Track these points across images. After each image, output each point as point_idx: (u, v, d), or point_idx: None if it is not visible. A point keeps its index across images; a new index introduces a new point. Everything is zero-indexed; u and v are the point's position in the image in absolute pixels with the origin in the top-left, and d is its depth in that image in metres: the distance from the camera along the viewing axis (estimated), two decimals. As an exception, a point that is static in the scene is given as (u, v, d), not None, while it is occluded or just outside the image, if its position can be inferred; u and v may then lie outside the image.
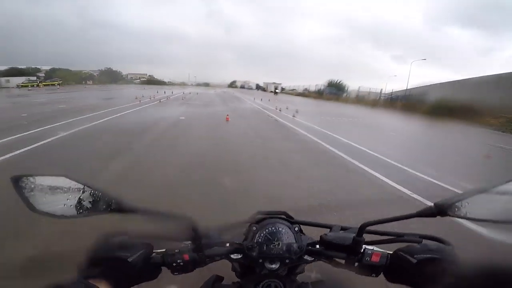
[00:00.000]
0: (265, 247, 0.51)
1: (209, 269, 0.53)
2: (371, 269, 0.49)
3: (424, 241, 0.49)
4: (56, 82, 44.42)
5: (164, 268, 0.50)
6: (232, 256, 0.53)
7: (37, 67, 59.82)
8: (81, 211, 0.43)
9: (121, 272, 0.42)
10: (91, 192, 0.44)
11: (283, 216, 0.58)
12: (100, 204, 0.44)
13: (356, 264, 0.50)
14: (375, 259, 0.48)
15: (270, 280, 0.49)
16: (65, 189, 0.43)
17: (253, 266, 0.53)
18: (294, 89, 64.82)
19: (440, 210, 0.43)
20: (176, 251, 0.49)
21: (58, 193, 0.42)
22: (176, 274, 0.49)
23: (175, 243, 0.51)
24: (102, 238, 0.47)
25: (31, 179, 0.42)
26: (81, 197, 0.43)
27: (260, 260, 0.51)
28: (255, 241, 0.52)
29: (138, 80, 74.56)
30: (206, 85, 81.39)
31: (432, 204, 0.44)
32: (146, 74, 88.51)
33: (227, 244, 0.52)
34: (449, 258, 0.44)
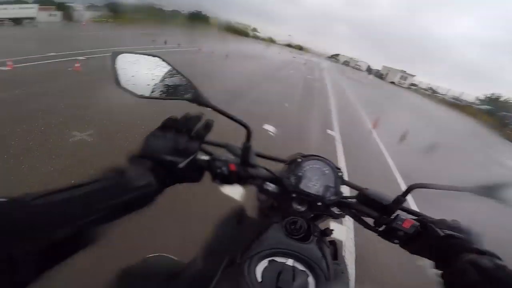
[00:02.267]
0: (302, 183, 0.52)
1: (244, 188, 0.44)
2: (395, 235, 0.49)
3: (454, 220, 0.48)
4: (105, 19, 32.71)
5: (207, 174, 0.49)
6: (265, 184, 0.53)
7: None
8: (160, 93, 0.45)
9: (169, 171, 0.44)
10: (177, 77, 0.46)
11: (328, 160, 0.56)
12: (179, 91, 0.46)
13: (384, 227, 0.50)
14: (406, 225, 0.48)
15: (297, 217, 0.49)
16: (154, 69, 0.45)
17: (280, 204, 0.54)
18: (431, 88, 42.51)
19: (496, 191, 0.44)
20: (223, 158, 0.49)
21: (146, 72, 0.45)
22: (215, 182, 0.50)
23: (224, 154, 0.50)
24: (157, 133, 0.46)
25: (128, 55, 0.45)
26: (164, 80, 0.45)
27: (293, 195, 0.51)
28: (295, 173, 0.53)
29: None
30: (300, 48, 64.02)
31: (492, 183, 0.45)
32: (250, 26, 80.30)
33: (267, 172, 0.52)
34: (470, 239, 0.44)
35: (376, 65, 64.67)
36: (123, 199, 0.36)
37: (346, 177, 0.55)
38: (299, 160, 0.54)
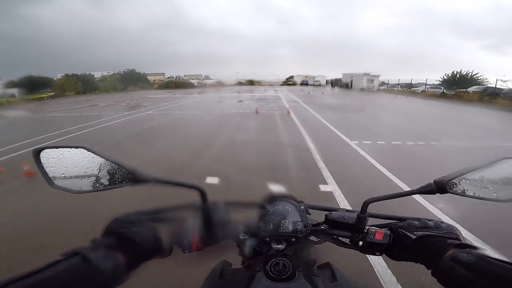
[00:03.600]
0: (271, 226, 0.55)
1: (219, 249, 0.54)
2: (375, 248, 0.52)
3: (424, 219, 0.52)
4: (45, 95, 33.69)
5: (176, 247, 0.50)
6: (240, 236, 0.55)
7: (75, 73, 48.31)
8: (97, 185, 0.45)
9: (133, 247, 0.44)
10: (108, 164, 0.46)
11: (290, 197, 0.60)
12: (116, 177, 0.46)
13: (361, 243, 0.53)
14: (378, 237, 0.51)
15: (278, 258, 0.52)
16: (83, 162, 0.45)
17: (260, 247, 0.57)
18: (398, 85, 39.53)
19: (440, 187, 0.47)
20: (186, 229, 0.49)
21: (76, 167, 0.44)
22: (186, 252, 0.50)
23: (187, 220, 0.51)
24: (118, 216, 0.48)
25: (50, 151, 0.44)
26: (98, 171, 0.45)
27: (267, 239, 0.54)
28: (264, 219, 0.55)
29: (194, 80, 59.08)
30: (251, 83, 60.49)
31: (432, 181, 0.48)
32: (201, 75, 76.68)
33: (236, 225, 0.54)
34: (447, 236, 0.46)
35: (333, 76, 63.16)
36: (91, 282, 0.36)
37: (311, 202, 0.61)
38: (265, 205, 0.57)
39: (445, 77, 36.66)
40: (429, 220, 0.51)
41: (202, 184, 0.51)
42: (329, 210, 0.60)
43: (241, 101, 17.43)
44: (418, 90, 31.09)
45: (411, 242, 0.48)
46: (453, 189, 0.47)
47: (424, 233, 0.48)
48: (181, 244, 0.49)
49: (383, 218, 0.57)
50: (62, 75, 46.45)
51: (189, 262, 0.57)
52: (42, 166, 0.44)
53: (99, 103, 20.35)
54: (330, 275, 0.57)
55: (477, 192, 0.47)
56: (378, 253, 0.53)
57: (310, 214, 0.60)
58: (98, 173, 0.45)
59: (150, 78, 60.06)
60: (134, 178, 0.46)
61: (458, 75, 35.17)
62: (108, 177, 0.46)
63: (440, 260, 0.42)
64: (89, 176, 0.45)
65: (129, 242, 0.43)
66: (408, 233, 0.49)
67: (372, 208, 0.53)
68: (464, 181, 0.47)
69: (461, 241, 0.45)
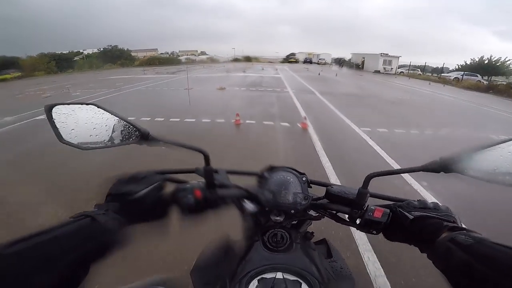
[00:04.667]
0: (271, 195, 0.53)
1: (218, 212, 0.53)
2: (372, 226, 0.51)
3: (423, 200, 0.50)
4: (10, 76, 30.83)
5: (177, 208, 0.49)
6: (243, 203, 0.55)
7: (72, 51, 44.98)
8: (105, 142, 0.46)
9: (136, 209, 0.44)
10: (117, 122, 0.46)
11: (292, 168, 0.59)
12: (124, 135, 0.46)
13: (359, 220, 0.52)
14: (377, 214, 0.49)
15: (276, 230, 0.52)
16: (93, 119, 0.45)
17: (258, 218, 0.56)
18: (419, 69, 33.22)
19: (445, 165, 0.44)
20: (187, 185, 0.49)
21: (86, 123, 0.45)
22: (188, 214, 0.48)
23: (189, 182, 0.51)
24: (119, 176, 0.48)
25: (62, 107, 0.45)
26: (106, 128, 0.46)
27: (267, 209, 0.53)
28: (265, 188, 0.54)
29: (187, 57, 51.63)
30: (248, 60, 53.02)
31: (438, 158, 0.45)
32: (197, 51, 68.05)
33: (237, 189, 0.53)
34: (445, 218, 0.45)
35: (338, 55, 56.02)
36: (101, 241, 0.38)
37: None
38: (266, 174, 0.56)
39: (470, 63, 30.64)
40: (429, 203, 0.50)
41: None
42: (329, 185, 0.57)
43: (222, 88, 11.32)
44: (450, 77, 25.16)
45: (408, 222, 0.47)
46: (460, 169, 0.44)
47: (421, 213, 0.46)
48: (183, 205, 0.48)
49: (383, 198, 0.56)
50: (37, 54, 40.96)
51: (191, 224, 0.52)
52: (54, 121, 0.44)
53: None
54: (325, 251, 0.60)
55: (485, 173, 0.43)
56: (374, 232, 0.51)
57: (311, 187, 0.58)
58: (107, 130, 0.46)
59: (142, 54, 52.57)
60: (142, 137, 0.46)
61: (486, 61, 29.08)
62: (116, 134, 0.46)
63: (436, 242, 0.41)
64: (98, 133, 0.46)
65: (132, 204, 0.44)
66: (406, 213, 0.48)
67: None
68: (471, 160, 0.43)
69: (456, 223, 0.44)
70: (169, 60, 44.78)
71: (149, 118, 6.29)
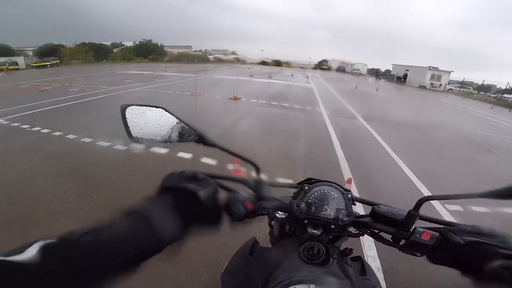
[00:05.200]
0: (313, 209, 0.53)
1: (246, 226, 0.52)
2: (417, 248, 0.49)
3: (477, 226, 0.47)
4: (49, 63, 32.81)
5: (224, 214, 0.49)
6: (277, 214, 0.55)
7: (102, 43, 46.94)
8: (168, 139, 0.50)
9: (189, 205, 0.44)
10: (180, 124, 0.51)
11: (336, 184, 0.58)
12: (186, 135, 0.51)
13: (403, 241, 0.50)
14: (425, 237, 0.48)
15: (313, 243, 0.51)
16: (160, 120, 0.50)
17: (294, 229, 0.57)
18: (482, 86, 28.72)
19: None
20: (239, 196, 0.49)
21: (153, 124, 0.50)
22: (234, 222, 0.49)
23: (240, 191, 0.51)
24: (176, 172, 0.48)
25: (135, 108, 0.50)
26: (171, 129, 0.50)
27: (306, 221, 0.53)
28: (304, 200, 0.54)
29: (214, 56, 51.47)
30: (278, 64, 50.33)
31: (508, 185, 0.41)
32: (227, 50, 67.99)
33: (276, 201, 0.54)
34: (501, 245, 0.42)
35: (373, 66, 51.61)
36: (147, 240, 0.37)
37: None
38: (307, 187, 0.56)
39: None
40: (485, 228, 0.47)
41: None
42: (376, 204, 0.56)
43: (236, 98, 8.95)
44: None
45: (459, 247, 0.45)
46: None
47: (474, 239, 0.44)
48: (233, 214, 0.48)
49: (433, 222, 0.54)
50: (79, 43, 43.87)
51: (236, 230, 0.53)
52: (126, 120, 0.49)
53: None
54: (359, 268, 0.59)
55: None
56: (419, 254, 0.50)
57: (355, 205, 0.57)
58: (171, 131, 0.50)
59: (177, 50, 52.65)
60: (199, 139, 0.50)
61: None
62: (177, 134, 0.50)
63: (486, 268, 0.40)
64: (163, 133, 0.50)
65: (187, 202, 0.43)
66: (458, 237, 0.45)
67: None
68: None
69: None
70: (197, 58, 43.70)
71: (90, 140, 4.30)
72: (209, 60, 44.63)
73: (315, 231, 0.54)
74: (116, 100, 8.16)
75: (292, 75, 24.27)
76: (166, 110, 0.50)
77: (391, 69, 43.51)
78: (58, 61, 34.42)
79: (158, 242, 0.38)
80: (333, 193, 0.55)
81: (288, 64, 50.69)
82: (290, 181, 0.58)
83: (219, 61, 44.69)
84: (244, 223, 0.50)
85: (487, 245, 0.42)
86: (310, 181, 0.59)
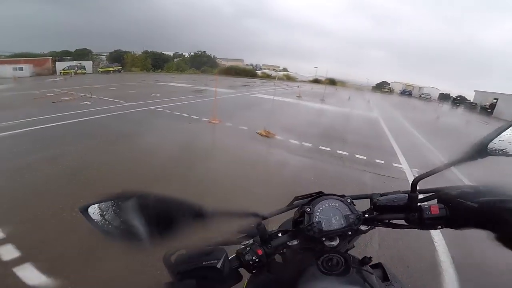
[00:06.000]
0: (324, 225, 0.53)
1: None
2: (434, 223, 0.51)
3: (475, 186, 0.50)
4: (112, 69, 35.22)
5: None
6: (289, 243, 0.54)
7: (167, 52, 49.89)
8: (164, 230, 0.42)
9: (212, 279, 0.45)
10: (169, 206, 0.43)
11: (331, 194, 0.59)
12: (183, 219, 0.43)
13: (417, 221, 0.52)
14: (434, 211, 0.50)
15: (332, 254, 0.52)
16: (141, 209, 0.41)
17: (310, 247, 0.56)
18: None
19: (479, 151, 0.48)
20: (248, 249, 0.51)
21: (133, 217, 0.40)
22: (254, 272, 0.52)
23: (242, 242, 0.53)
24: (182, 251, 0.48)
25: (100, 206, 0.42)
26: (160, 214, 0.42)
27: (323, 239, 0.53)
28: (312, 221, 0.54)
29: (266, 71, 51.37)
30: (332, 83, 46.00)
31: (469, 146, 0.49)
32: (279, 66, 64.67)
33: (280, 233, 0.55)
34: (503, 196, 0.44)
35: (444, 91, 43.71)
36: None
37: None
38: (308, 209, 0.55)
39: None
40: (473, 185, 0.51)
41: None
42: (371, 197, 0.59)
43: (267, 134, 6.03)
44: None
45: (473, 210, 0.47)
46: (493, 151, 0.48)
47: (486, 199, 0.46)
48: (247, 266, 0.50)
49: (432, 192, 0.56)
50: (142, 51, 46.70)
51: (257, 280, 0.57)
52: (96, 222, 0.41)
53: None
54: (381, 274, 0.59)
55: None
56: (440, 227, 0.52)
57: (355, 205, 0.58)
58: (161, 217, 0.42)
59: (229, 63, 53.59)
60: (198, 214, 0.44)
61: None
62: (174, 220, 0.42)
63: (506, 225, 0.41)
64: (152, 222, 0.41)
65: (207, 276, 0.44)
66: (468, 202, 0.47)
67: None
68: (501, 141, 0.48)
69: None
70: (244, 72, 43.14)
71: None
72: (256, 75, 43.34)
73: (332, 243, 0.53)
74: (105, 123, 6.21)
75: (349, 98, 20.41)
76: (143, 197, 0.41)
77: (465, 94, 36.01)
78: (120, 67, 36.98)
79: None
80: (333, 203, 0.56)
81: (343, 84, 46.33)
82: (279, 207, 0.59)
83: (266, 76, 43.02)
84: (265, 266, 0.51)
85: (501, 201, 0.44)
86: (298, 199, 0.59)
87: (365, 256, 0.57)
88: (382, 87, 48.90)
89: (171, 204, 0.44)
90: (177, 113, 7.85)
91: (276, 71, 53.94)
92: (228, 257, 0.48)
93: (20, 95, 11.03)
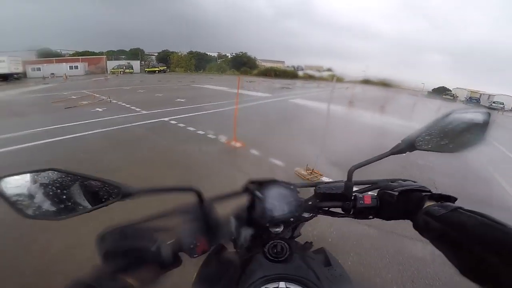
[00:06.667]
0: (269, 211, 0.54)
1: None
2: (367, 212, 0.54)
3: (400, 180, 0.57)
4: (157, 69, 35.72)
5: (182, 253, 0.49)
6: (235, 230, 0.54)
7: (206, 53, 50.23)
8: (80, 207, 0.40)
9: (147, 262, 0.43)
10: (87, 183, 0.41)
11: (279, 180, 0.59)
12: (101, 195, 0.41)
13: (352, 211, 0.55)
14: (367, 201, 0.53)
15: (276, 241, 0.53)
16: (58, 185, 0.39)
17: (258, 233, 0.56)
18: None
19: (408, 145, 0.53)
20: (190, 234, 0.48)
21: (50, 192, 0.38)
22: (195, 257, 0.50)
23: (186, 224, 0.49)
24: (115, 231, 0.45)
25: (15, 179, 0.38)
26: (78, 191, 0.40)
27: (267, 225, 0.54)
28: (262, 207, 0.54)
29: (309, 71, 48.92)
30: (385, 85, 40.66)
31: (400, 141, 0.53)
32: (322, 67, 58.82)
33: (232, 218, 0.54)
34: (422, 189, 0.49)
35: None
36: None
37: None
38: (257, 193, 0.55)
39: None
40: (405, 180, 0.56)
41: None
42: (315, 185, 0.60)
43: (316, 174, 4.01)
44: None
45: (395, 198, 0.50)
46: (419, 146, 0.52)
47: (404, 188, 0.50)
48: (187, 250, 0.47)
49: (367, 184, 0.60)
50: (187, 52, 48.38)
51: (195, 264, 0.54)
52: (7, 197, 0.37)
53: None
54: (323, 259, 0.61)
55: (438, 146, 0.52)
56: (371, 217, 0.54)
57: (299, 193, 0.59)
58: (78, 194, 0.40)
59: (270, 64, 52.05)
60: (120, 193, 0.41)
61: None
62: (91, 196, 0.40)
63: (417, 214, 0.45)
64: (69, 199, 0.39)
65: (141, 259, 0.42)
66: (390, 191, 0.51)
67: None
68: (426, 137, 0.52)
69: (436, 192, 0.47)
70: (285, 73, 41.00)
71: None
72: (298, 76, 40.72)
73: (277, 229, 0.55)
74: (83, 145, 4.72)
75: (414, 106, 16.59)
76: (58, 171, 0.39)
77: None
78: (165, 67, 37.40)
79: None
80: (280, 190, 0.57)
81: (395, 85, 41.01)
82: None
83: (309, 77, 40.12)
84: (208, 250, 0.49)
85: (414, 191, 0.48)
86: (254, 184, 0.58)
87: (307, 242, 0.60)
88: (443, 93, 42.16)
89: (94, 181, 0.40)
90: (191, 128, 6.11)
91: (320, 71, 50.36)
92: (167, 240, 0.45)
93: (46, 97, 10.61)
